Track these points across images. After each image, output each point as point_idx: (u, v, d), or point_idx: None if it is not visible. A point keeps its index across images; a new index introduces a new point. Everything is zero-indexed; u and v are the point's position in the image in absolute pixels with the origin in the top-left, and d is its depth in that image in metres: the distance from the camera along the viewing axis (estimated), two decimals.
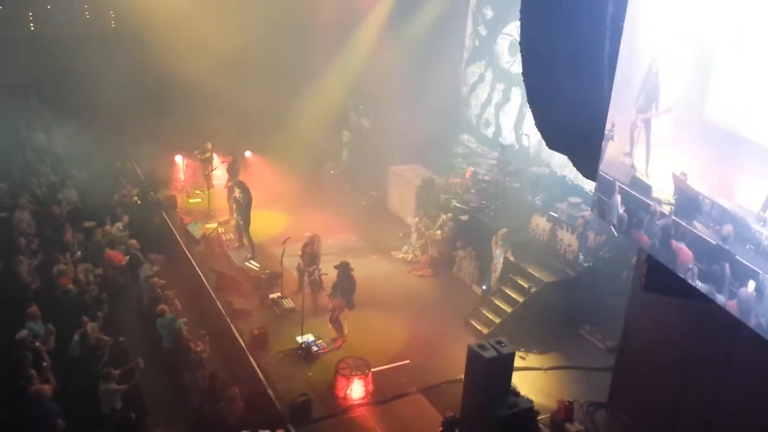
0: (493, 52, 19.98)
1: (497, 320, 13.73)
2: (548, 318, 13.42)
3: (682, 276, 6.95)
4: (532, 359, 13.05)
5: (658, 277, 7.93)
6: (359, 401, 11.63)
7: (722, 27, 6.27)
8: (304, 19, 22.91)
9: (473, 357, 9.84)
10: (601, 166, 8.39)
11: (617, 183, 8.06)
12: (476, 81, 20.88)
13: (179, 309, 12.79)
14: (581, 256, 14.13)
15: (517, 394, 10.15)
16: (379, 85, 21.38)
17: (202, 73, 19.89)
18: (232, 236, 17.16)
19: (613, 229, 8.41)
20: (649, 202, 7.48)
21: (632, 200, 7.80)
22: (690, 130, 6.86)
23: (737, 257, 6.12)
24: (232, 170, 18.32)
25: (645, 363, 10.54)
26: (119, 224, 15.99)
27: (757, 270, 5.89)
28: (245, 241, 16.61)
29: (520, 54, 9.16)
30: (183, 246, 16.60)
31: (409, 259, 16.82)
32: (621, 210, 8.05)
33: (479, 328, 13.79)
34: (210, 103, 21.06)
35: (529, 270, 14.27)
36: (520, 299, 13.86)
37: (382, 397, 11.79)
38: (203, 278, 15.11)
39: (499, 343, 9.89)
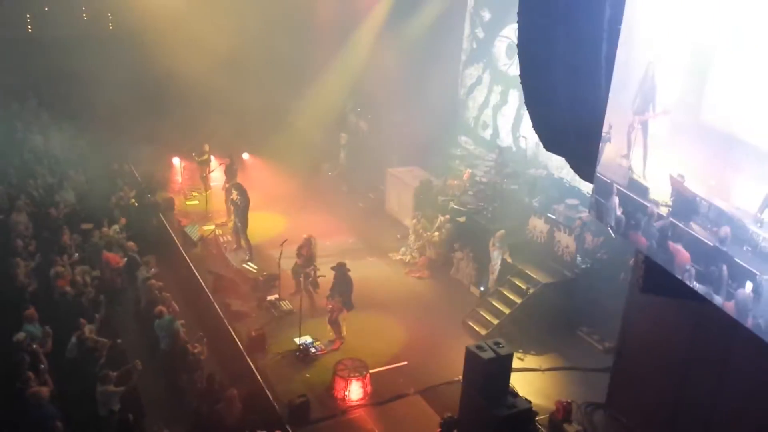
0: (491, 54, 20.00)
1: (495, 321, 13.73)
2: (546, 319, 13.44)
3: (680, 277, 6.98)
4: (530, 360, 13.06)
5: (656, 279, 7.96)
6: (357, 402, 11.64)
7: (719, 30, 6.30)
8: (301, 21, 22.93)
9: (471, 358, 9.84)
10: (599, 168, 8.42)
11: (614, 185, 8.08)
12: (474, 83, 20.89)
13: (176, 310, 12.78)
14: (579, 258, 14.16)
15: (515, 395, 10.15)
16: (377, 87, 21.40)
17: (199, 74, 19.89)
18: (229, 238, 17.14)
19: (611, 231, 8.44)
20: (646, 203, 7.50)
21: (629, 202, 7.82)
22: (687, 132, 6.89)
23: (735, 259, 6.15)
24: (230, 172, 18.30)
25: (643, 364, 10.57)
26: (116, 226, 15.97)
27: (755, 271, 5.91)
28: (243, 243, 16.60)
29: (517, 56, 9.19)
30: (180, 248, 16.59)
31: (406, 260, 16.82)
32: (618, 212, 8.07)
33: (477, 329, 13.80)
34: (208, 104, 21.07)
35: (527, 271, 14.29)
36: (518, 300, 13.87)
37: (380, 398, 11.80)
38: (201, 280, 15.10)
39: (497, 344, 9.89)
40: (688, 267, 6.82)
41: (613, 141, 8.09)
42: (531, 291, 13.84)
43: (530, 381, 12.33)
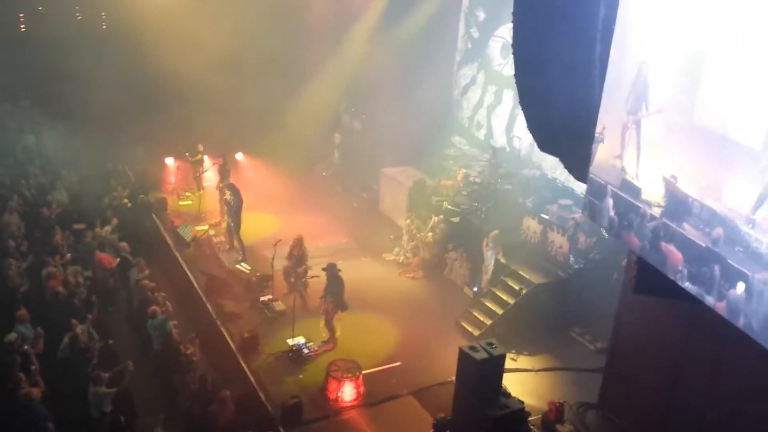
0: (485, 54, 20.01)
1: (488, 322, 13.73)
2: (539, 320, 13.44)
3: (672, 278, 6.99)
4: (523, 361, 13.07)
5: (648, 279, 7.98)
6: (350, 403, 11.62)
7: (712, 31, 6.31)
8: (295, 20, 22.87)
9: (464, 359, 9.84)
10: (592, 169, 8.43)
11: (608, 185, 8.09)
12: (468, 83, 20.90)
13: (170, 310, 12.75)
14: (572, 258, 14.18)
15: (507, 395, 10.16)
16: (372, 87, 21.38)
17: (193, 74, 19.80)
18: (222, 239, 17.08)
19: (604, 231, 8.46)
20: (639, 204, 7.52)
21: (622, 202, 7.84)
22: (680, 133, 6.91)
23: (727, 259, 6.16)
24: (223, 172, 18.26)
25: (635, 364, 10.59)
26: (108, 227, 15.90)
27: (747, 272, 5.92)
28: (236, 243, 16.55)
29: (512, 56, 9.20)
30: (173, 249, 16.53)
31: (400, 261, 16.80)
32: (611, 212, 8.08)
33: (470, 329, 13.80)
34: (201, 104, 20.96)
35: (520, 272, 14.29)
36: (511, 301, 13.87)
37: (373, 399, 11.78)
38: (194, 281, 15.05)
39: (489, 344, 9.89)
40: (680, 267, 6.83)
41: (606, 142, 8.11)
42: (524, 291, 13.84)
43: (523, 381, 12.34)
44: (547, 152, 10.26)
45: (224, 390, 10.76)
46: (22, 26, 23.26)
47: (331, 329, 13.16)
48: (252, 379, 11.99)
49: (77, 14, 24.04)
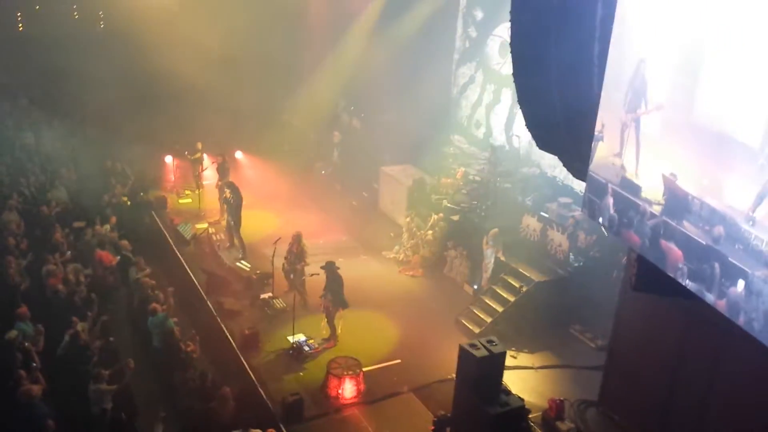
0: (484, 53, 20.03)
1: (488, 319, 13.76)
2: (539, 317, 13.48)
3: (672, 275, 7.01)
4: (523, 358, 13.09)
5: (648, 277, 8.00)
6: (351, 400, 11.63)
7: (710, 29, 6.33)
8: (294, 19, 22.91)
9: (464, 356, 9.86)
10: (591, 167, 8.45)
11: (607, 183, 8.11)
12: (467, 82, 20.92)
13: (171, 305, 12.78)
14: (572, 256, 14.20)
15: (508, 392, 10.18)
16: (370, 86, 21.40)
17: (192, 72, 19.84)
18: (222, 236, 17.11)
19: (604, 229, 8.47)
20: (638, 202, 7.53)
21: (622, 200, 7.85)
22: (679, 131, 6.92)
23: (727, 257, 6.18)
24: (222, 170, 18.28)
25: (635, 361, 10.62)
26: (107, 225, 15.90)
27: (747, 269, 5.94)
28: (236, 241, 16.57)
29: (510, 55, 9.20)
30: (173, 247, 16.54)
31: (400, 259, 16.82)
32: (611, 210, 8.10)
33: (470, 327, 13.82)
34: (200, 103, 21.01)
35: (520, 270, 14.32)
36: (511, 299, 13.90)
37: (373, 396, 11.80)
38: (194, 279, 15.07)
39: (490, 342, 9.91)
40: (680, 265, 6.85)
41: (605, 140, 8.13)
42: (524, 289, 13.87)
43: (523, 379, 12.37)
44: (546, 150, 10.27)
45: (225, 387, 10.78)
46: (20, 26, 23.28)
47: (332, 327, 13.19)
48: (252, 376, 12.00)
49: (75, 13, 24.10)
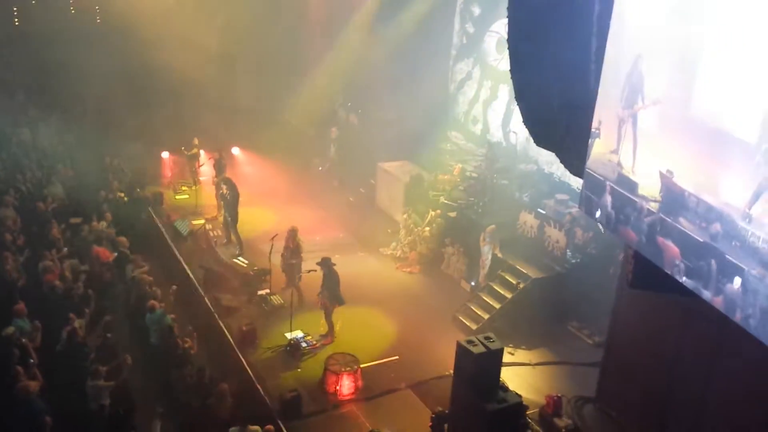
0: (481, 49, 20.01)
1: (486, 316, 13.79)
2: (536, 314, 13.50)
3: (669, 272, 7.01)
4: (521, 355, 13.12)
5: (645, 274, 7.99)
6: (349, 397, 11.66)
7: (707, 24, 6.33)
8: (292, 15, 22.85)
9: (462, 353, 9.85)
10: (588, 164, 8.44)
11: (604, 180, 8.11)
12: (464, 78, 20.90)
13: (170, 301, 12.77)
14: (569, 253, 14.22)
15: (505, 389, 10.17)
16: (367, 82, 21.37)
17: (189, 68, 19.79)
18: (219, 233, 17.11)
19: (600, 226, 8.48)
20: (635, 199, 7.53)
21: (619, 197, 7.85)
22: (675, 128, 6.92)
23: (724, 254, 6.18)
24: (219, 166, 18.26)
25: (632, 358, 10.63)
26: (104, 222, 15.87)
27: (743, 266, 5.94)
28: (233, 237, 16.57)
29: (507, 51, 9.20)
30: (170, 243, 16.52)
31: (397, 255, 16.82)
32: (608, 207, 8.10)
33: (468, 323, 13.84)
34: (197, 99, 20.97)
35: (517, 266, 14.33)
36: (509, 295, 13.92)
37: (371, 392, 11.82)
38: (191, 275, 15.06)
39: (487, 338, 9.90)
40: (677, 262, 6.85)
41: (602, 136, 8.12)
42: (521, 286, 13.89)
43: (521, 375, 12.39)
44: (543, 147, 10.25)
45: (222, 383, 10.77)
46: (15, 20, 23.19)
47: (330, 323, 13.19)
48: (250, 372, 12.02)
49: (71, 8, 24.01)
